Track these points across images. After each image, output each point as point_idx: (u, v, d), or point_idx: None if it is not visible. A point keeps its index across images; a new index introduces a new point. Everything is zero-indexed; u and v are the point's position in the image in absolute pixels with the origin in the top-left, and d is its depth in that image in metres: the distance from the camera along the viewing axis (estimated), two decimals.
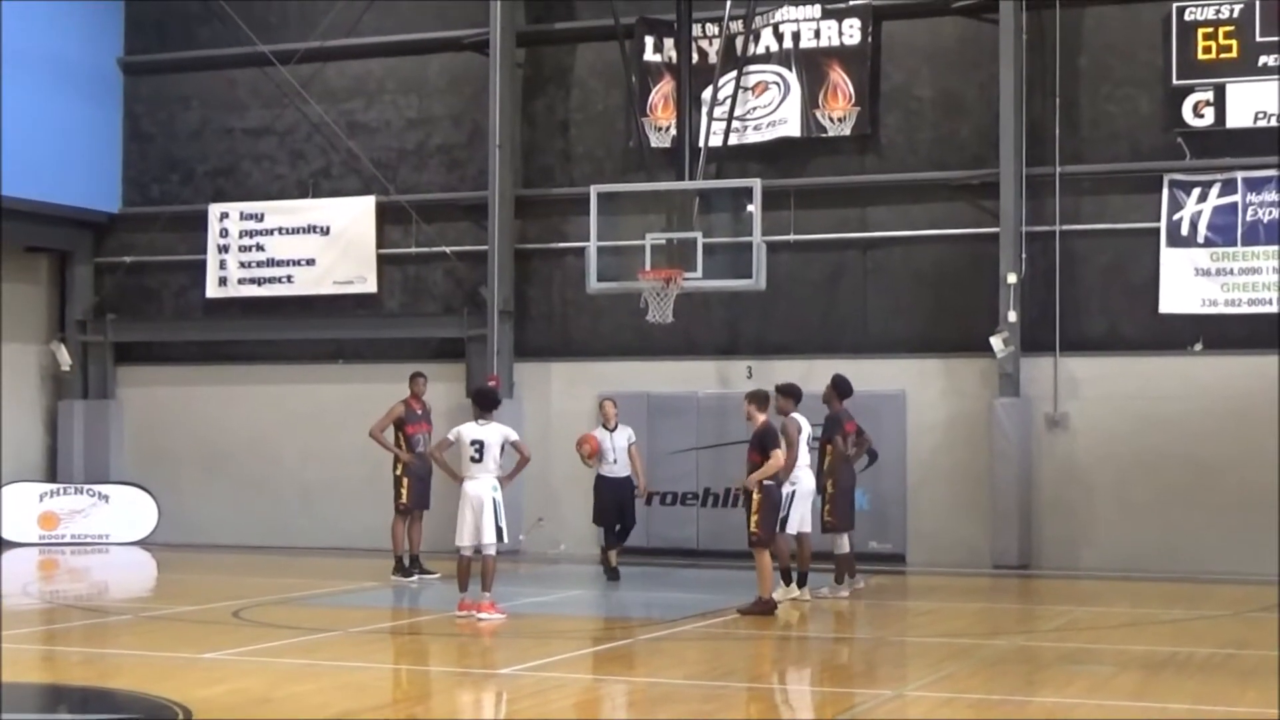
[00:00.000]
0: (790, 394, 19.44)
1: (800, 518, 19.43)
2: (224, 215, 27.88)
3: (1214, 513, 22.96)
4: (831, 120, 24.86)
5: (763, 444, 18.33)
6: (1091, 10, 24.09)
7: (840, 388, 20.39)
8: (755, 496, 18.33)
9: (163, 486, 27.92)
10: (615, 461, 21.92)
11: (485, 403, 18.25)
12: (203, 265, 28.04)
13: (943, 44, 24.77)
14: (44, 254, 28.83)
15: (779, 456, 18.27)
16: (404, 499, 21.72)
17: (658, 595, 21.53)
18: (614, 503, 22.03)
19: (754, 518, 18.33)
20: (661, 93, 25.65)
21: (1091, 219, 23.99)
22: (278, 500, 26.98)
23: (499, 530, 17.80)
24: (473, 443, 17.88)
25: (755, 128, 25.20)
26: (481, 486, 17.81)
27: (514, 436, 18.11)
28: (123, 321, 28.59)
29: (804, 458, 19.48)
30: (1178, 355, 23.39)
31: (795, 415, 19.32)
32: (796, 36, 25.01)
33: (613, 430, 22.02)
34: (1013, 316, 23.57)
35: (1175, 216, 23.44)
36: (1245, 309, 23.04)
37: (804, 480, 19.48)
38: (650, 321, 23.72)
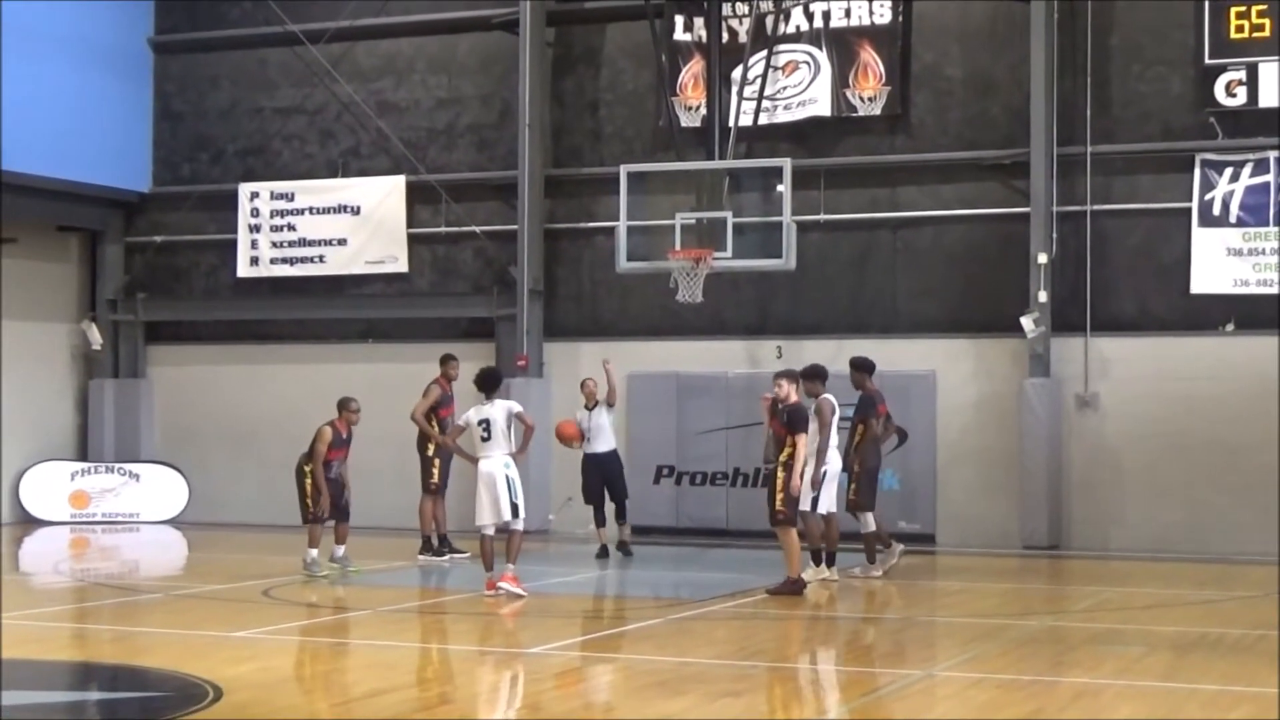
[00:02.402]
0: (818, 376, 19.37)
1: (830, 498, 19.40)
2: (254, 195, 27.93)
3: (1244, 494, 22.89)
4: (862, 100, 24.80)
5: (792, 423, 18.30)
6: None
7: (866, 367, 20.31)
8: (780, 476, 18.31)
9: (193, 465, 28.03)
10: (589, 441, 22.14)
11: (487, 384, 18.35)
12: (233, 245, 28.10)
13: (973, 23, 24.68)
14: (74, 233, 28.91)
15: (803, 442, 18.25)
16: (434, 479, 21.76)
17: (687, 575, 21.55)
18: (600, 480, 22.17)
19: (779, 496, 18.31)
20: (691, 72, 25.61)
21: (1123, 199, 23.91)
22: None
23: (514, 507, 17.83)
24: (480, 422, 18.01)
25: (785, 107, 25.15)
26: (494, 464, 17.88)
27: (517, 408, 18.23)
28: (153, 301, 28.67)
29: (833, 438, 19.42)
30: (1209, 336, 23.32)
31: (828, 396, 19.26)
32: (827, 16, 24.94)
33: (592, 409, 22.11)
34: (1043, 296, 23.51)
35: (1207, 196, 23.34)
36: (1277, 289, 22.93)
37: (833, 461, 19.40)
38: (680, 301, 23.71)
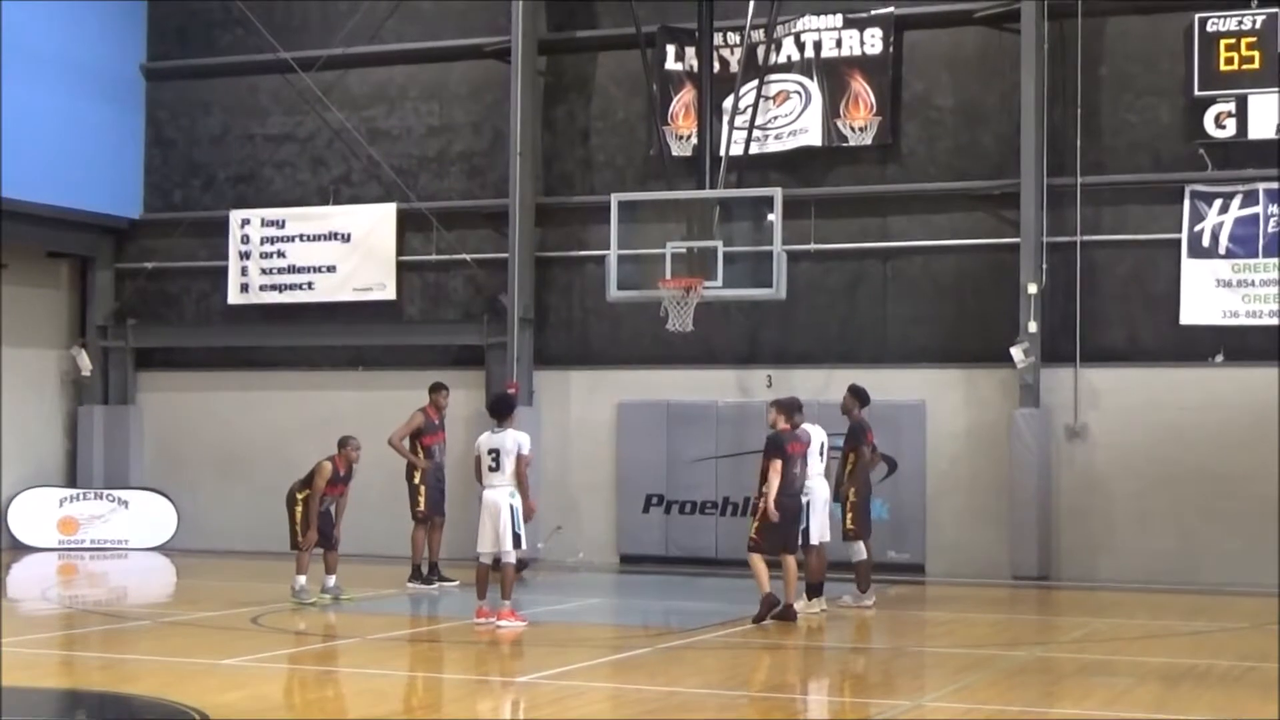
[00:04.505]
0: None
1: (820, 528, 19.39)
2: (245, 221, 27.92)
3: (1234, 524, 22.90)
4: (852, 129, 24.85)
5: (765, 450, 18.42)
6: (1113, 20, 24.06)
7: (861, 396, 20.38)
8: (761, 505, 18.34)
9: (182, 492, 27.98)
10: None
11: (500, 410, 18.32)
12: (223, 271, 28.09)
13: (964, 53, 24.75)
14: (65, 259, 28.88)
15: (775, 469, 18.27)
16: (421, 507, 21.80)
17: (676, 604, 21.54)
18: None
19: (754, 525, 18.36)
20: (682, 101, 25.65)
21: (1112, 229, 23.96)
22: None
23: (516, 537, 17.84)
24: (489, 452, 17.96)
25: (776, 137, 25.19)
26: (499, 495, 17.86)
27: (525, 449, 18.08)
28: (143, 327, 28.64)
29: (817, 468, 19.43)
30: (1198, 366, 23.34)
31: (805, 426, 19.24)
32: (818, 46, 25.00)
33: None
34: (1033, 327, 23.54)
35: (1196, 227, 23.39)
36: (1266, 320, 22.96)
37: (818, 490, 19.41)
38: (670, 330, 23.72)
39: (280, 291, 27.72)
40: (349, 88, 27.75)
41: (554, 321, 26.45)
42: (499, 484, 17.90)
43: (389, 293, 27.14)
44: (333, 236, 27.42)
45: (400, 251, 27.13)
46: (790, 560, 18.48)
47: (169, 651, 16.22)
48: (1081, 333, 23.84)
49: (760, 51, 25.09)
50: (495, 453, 17.94)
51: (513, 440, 18.00)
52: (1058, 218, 23.96)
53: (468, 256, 26.73)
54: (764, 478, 18.44)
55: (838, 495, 19.96)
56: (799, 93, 25.09)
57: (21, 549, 27.20)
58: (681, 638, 17.58)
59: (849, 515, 20.02)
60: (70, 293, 29.11)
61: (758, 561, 18.34)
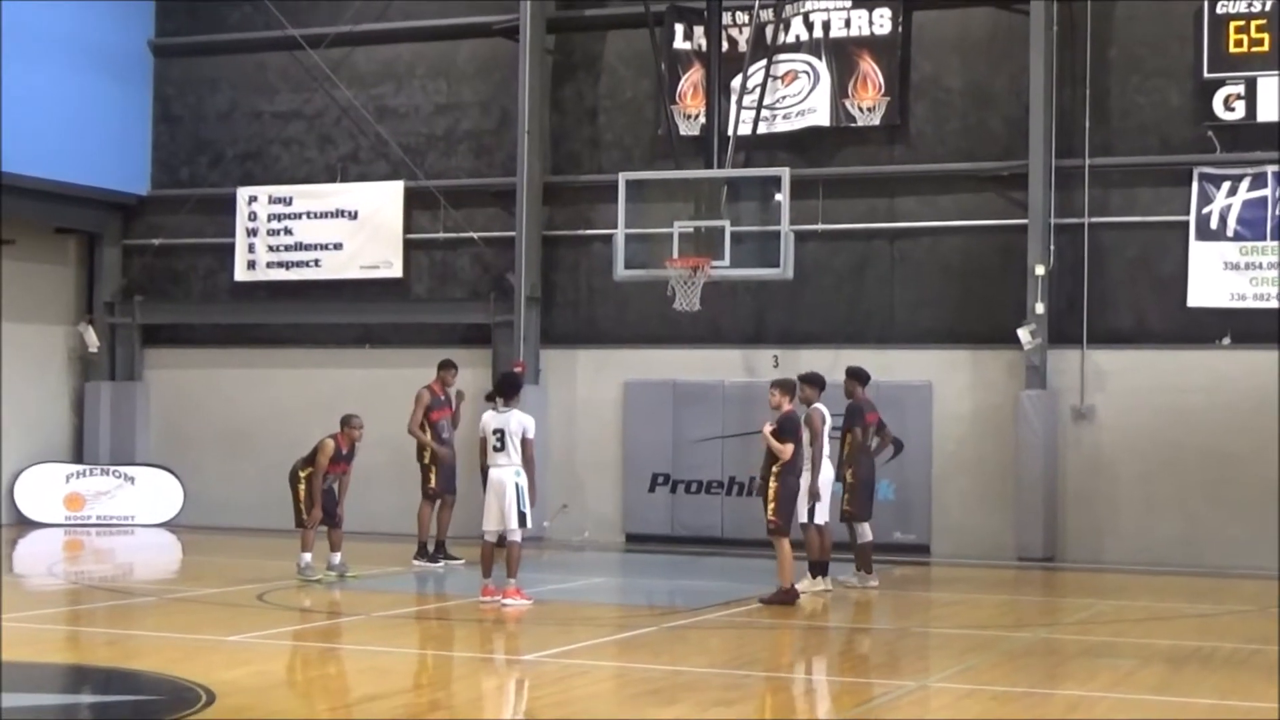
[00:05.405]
0: (814, 383, 19.38)
1: (824, 509, 19.37)
2: (252, 199, 27.92)
3: (1239, 507, 22.90)
4: (861, 110, 24.82)
5: (780, 431, 18.30)
6: (1122, 2, 24.02)
7: (859, 376, 20.36)
8: (773, 485, 18.30)
9: (188, 468, 28.01)
10: None
11: (507, 390, 18.30)
12: (230, 248, 28.10)
13: (973, 34, 24.71)
14: (73, 235, 28.89)
15: (788, 450, 18.23)
16: (433, 484, 21.77)
17: (681, 583, 21.54)
18: None
19: (771, 506, 18.31)
20: (691, 80, 25.63)
21: (1120, 211, 23.93)
22: None
23: (522, 516, 17.83)
24: (494, 431, 17.94)
25: (784, 116, 25.16)
26: (505, 473, 17.85)
27: (530, 433, 18.03)
28: (150, 303, 28.65)
29: (825, 448, 19.42)
30: (1205, 349, 23.32)
31: (819, 405, 19.28)
32: (827, 25, 24.97)
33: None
34: (1040, 308, 23.52)
35: (1204, 210, 23.36)
36: (1274, 303, 22.94)
37: (825, 471, 19.40)
38: (677, 309, 23.73)
39: (287, 269, 27.73)
40: (357, 65, 27.73)
41: (561, 300, 26.44)
42: (504, 463, 17.89)
43: (396, 271, 27.14)
44: (340, 214, 27.41)
45: (407, 229, 27.13)
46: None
47: (174, 627, 16.23)
48: (1088, 314, 23.82)
49: (769, 31, 25.06)
50: (500, 433, 17.92)
51: (517, 422, 17.98)
52: (1066, 199, 23.94)
53: (475, 235, 26.72)
54: (773, 459, 18.35)
55: (840, 475, 19.97)
56: (807, 73, 25.06)
57: (28, 524, 27.24)
58: (686, 617, 17.60)
59: (846, 496, 20.04)
60: (77, 269, 29.13)
61: (785, 548, 18.27)
